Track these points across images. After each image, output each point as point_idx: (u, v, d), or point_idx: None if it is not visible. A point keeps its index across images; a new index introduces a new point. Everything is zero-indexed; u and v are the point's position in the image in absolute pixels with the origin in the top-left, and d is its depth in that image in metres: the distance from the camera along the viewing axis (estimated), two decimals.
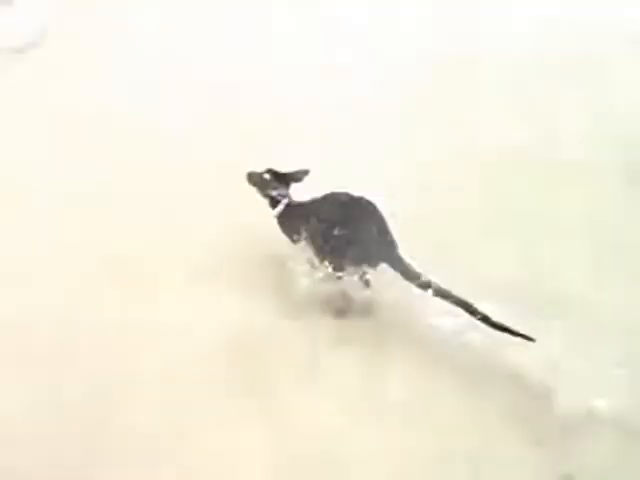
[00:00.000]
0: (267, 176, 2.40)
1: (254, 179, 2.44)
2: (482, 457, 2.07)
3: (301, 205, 2.41)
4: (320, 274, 2.32)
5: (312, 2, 5.20)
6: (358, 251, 2.26)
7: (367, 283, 2.41)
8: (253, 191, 2.53)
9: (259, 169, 2.56)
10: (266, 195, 2.42)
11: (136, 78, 4.01)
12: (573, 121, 3.81)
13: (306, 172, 2.42)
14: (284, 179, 2.43)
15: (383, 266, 2.36)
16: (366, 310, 2.42)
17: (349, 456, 2.07)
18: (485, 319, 2.21)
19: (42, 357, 2.38)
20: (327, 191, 2.36)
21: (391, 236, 2.30)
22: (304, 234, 2.35)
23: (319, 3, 5.21)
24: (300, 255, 2.40)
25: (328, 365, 2.31)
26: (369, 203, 2.29)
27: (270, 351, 2.36)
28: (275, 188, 2.40)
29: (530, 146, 3.57)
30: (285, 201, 2.41)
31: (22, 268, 2.74)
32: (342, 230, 2.23)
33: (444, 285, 2.32)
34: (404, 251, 2.38)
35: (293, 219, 2.40)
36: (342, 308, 2.40)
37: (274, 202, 2.41)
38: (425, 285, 2.24)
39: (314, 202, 2.37)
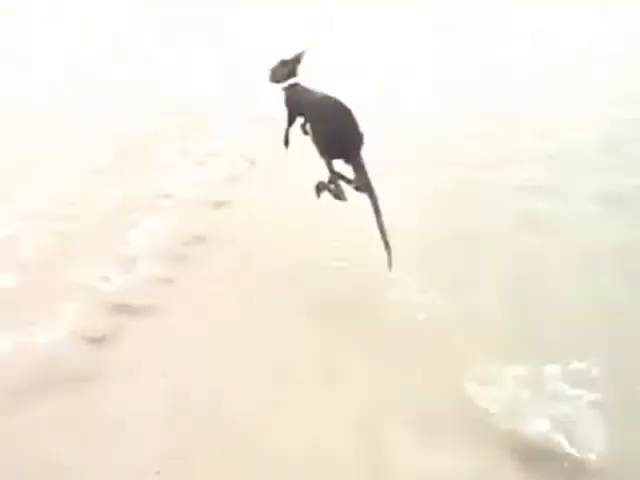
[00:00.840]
0: (276, 64, 2.93)
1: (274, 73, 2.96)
2: None
3: (302, 93, 2.86)
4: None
5: None
6: (337, 146, 2.65)
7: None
8: None
9: None
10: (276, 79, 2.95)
11: None
12: None
13: (303, 53, 2.93)
14: (289, 64, 2.92)
15: None
16: None
17: None
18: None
19: None
20: None
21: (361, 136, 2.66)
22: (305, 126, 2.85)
23: None
24: None
25: None
26: (345, 107, 2.66)
27: None
28: (284, 73, 2.91)
29: None
30: (291, 80, 2.89)
31: None
32: (326, 126, 2.68)
33: None
34: None
35: (294, 100, 2.87)
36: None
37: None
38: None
39: (310, 99, 2.79)
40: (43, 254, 3.22)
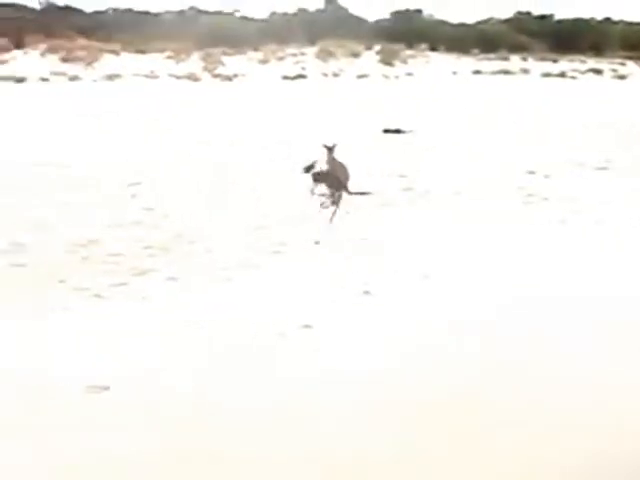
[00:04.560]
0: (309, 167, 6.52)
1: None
2: None
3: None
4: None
5: None
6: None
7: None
8: None
9: None
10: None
11: None
12: None
13: (315, 162, 6.48)
14: (311, 167, 6.45)
15: None
16: None
17: None
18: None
19: None
20: None
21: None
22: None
23: None
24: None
25: None
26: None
27: None
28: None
29: None
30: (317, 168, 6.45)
31: None
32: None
33: None
34: None
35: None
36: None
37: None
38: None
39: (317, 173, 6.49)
40: None
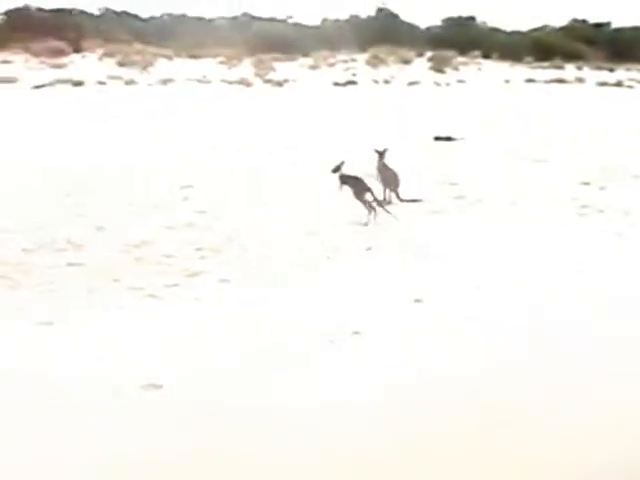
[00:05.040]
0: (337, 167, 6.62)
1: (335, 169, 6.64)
2: None
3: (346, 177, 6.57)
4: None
5: None
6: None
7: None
8: None
9: None
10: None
11: None
12: None
13: (342, 163, 6.58)
14: (338, 167, 6.56)
15: None
16: None
17: None
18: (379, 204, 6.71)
19: None
20: None
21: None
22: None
23: None
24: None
25: None
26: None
27: None
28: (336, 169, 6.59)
29: None
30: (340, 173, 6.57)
31: None
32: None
33: None
34: None
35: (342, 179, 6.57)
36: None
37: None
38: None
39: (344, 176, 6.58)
40: None
